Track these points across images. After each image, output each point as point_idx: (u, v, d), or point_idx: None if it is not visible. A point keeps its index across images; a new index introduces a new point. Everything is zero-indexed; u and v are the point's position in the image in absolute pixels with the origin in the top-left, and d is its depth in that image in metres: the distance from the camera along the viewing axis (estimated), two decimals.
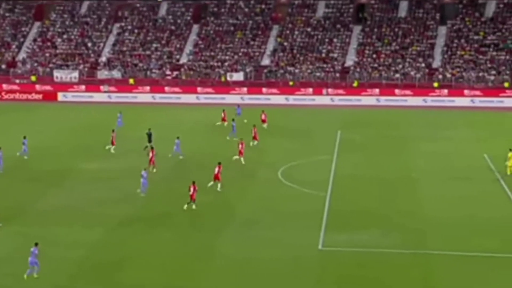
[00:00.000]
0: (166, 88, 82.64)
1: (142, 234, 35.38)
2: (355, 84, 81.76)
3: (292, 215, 38.61)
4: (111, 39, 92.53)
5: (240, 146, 48.20)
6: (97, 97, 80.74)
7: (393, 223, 37.17)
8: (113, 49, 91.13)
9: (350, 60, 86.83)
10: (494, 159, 50.59)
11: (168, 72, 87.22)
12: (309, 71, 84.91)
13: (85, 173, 46.88)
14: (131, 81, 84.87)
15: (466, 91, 78.05)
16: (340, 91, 79.82)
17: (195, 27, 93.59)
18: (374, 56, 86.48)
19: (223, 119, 62.26)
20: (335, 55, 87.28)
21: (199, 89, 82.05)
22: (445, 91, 78.37)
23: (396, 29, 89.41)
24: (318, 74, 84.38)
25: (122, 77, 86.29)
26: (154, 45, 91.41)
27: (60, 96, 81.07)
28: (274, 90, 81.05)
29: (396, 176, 46.80)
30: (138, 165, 45.66)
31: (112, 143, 52.23)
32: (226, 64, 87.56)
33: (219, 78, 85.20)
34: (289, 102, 78.65)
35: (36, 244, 30.14)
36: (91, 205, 39.98)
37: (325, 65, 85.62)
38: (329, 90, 79.81)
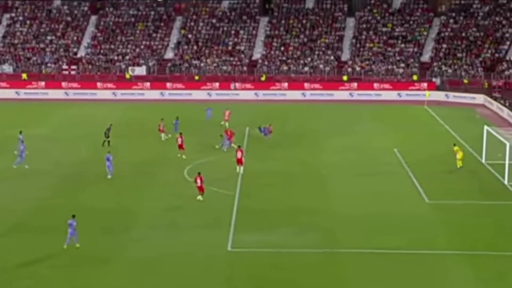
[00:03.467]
0: (63, 84, 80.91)
1: (42, 238, 34.58)
2: (263, 78, 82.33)
3: (200, 215, 38.56)
4: (1, 30, 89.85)
5: (239, 154, 46.29)
6: None
7: (304, 222, 37.66)
8: (3, 42, 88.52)
9: (258, 53, 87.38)
10: (404, 153, 52.02)
11: (64, 67, 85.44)
12: (215, 64, 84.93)
13: None
14: (24, 76, 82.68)
15: (375, 85, 79.91)
16: (248, 85, 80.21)
17: (93, 18, 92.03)
18: (282, 48, 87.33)
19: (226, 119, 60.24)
20: (242, 47, 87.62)
21: (99, 84, 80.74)
22: (355, 84, 79.98)
23: (304, 21, 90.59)
24: (224, 67, 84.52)
25: (14, 72, 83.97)
26: (49, 37, 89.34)
27: None
28: (179, 85, 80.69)
29: (306, 172, 47.42)
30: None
31: None
32: (127, 57, 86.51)
33: (121, 72, 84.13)
34: (194, 97, 78.47)
35: (73, 216, 33.45)
36: None
37: (231, 58, 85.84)
38: (237, 84, 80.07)
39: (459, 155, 48.12)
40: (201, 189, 40.81)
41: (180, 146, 50.62)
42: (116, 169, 45.53)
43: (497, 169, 46.77)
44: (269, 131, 55.84)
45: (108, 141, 52.79)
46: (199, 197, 40.93)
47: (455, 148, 49.03)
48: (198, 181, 40.73)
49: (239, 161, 43.60)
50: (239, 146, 44.44)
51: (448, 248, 34.07)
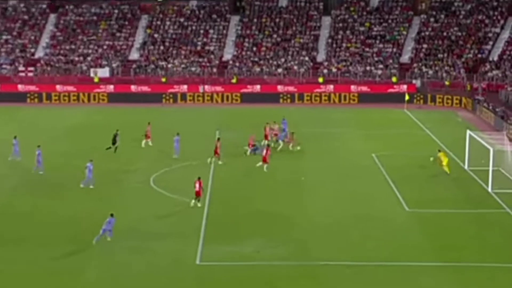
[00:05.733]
0: (19, 86, 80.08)
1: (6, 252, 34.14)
2: (234, 80, 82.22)
3: (167, 226, 38.26)
4: None
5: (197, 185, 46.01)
6: None
7: (278, 232, 37.51)
8: None
9: (228, 53, 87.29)
10: (382, 159, 52.15)
11: (21, 68, 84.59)
12: (183, 66, 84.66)
13: None
14: None
15: (352, 87, 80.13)
16: (218, 88, 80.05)
17: (52, 17, 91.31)
18: (254, 49, 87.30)
19: (266, 137, 55.66)
20: (212, 48, 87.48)
21: (58, 87, 79.99)
22: (331, 86, 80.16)
23: (277, 20, 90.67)
24: (193, 69, 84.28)
25: None
26: (4, 36, 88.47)
27: None
28: (145, 88, 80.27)
29: (282, 178, 47.35)
30: None
31: None
32: (89, 58, 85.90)
33: (82, 74, 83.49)
34: (161, 101, 78.09)
35: (112, 215, 35.49)
36: None
37: (201, 59, 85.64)
38: (206, 86, 79.87)
39: (445, 161, 48.34)
40: (198, 194, 40.88)
41: (215, 152, 50.36)
42: (81, 177, 45.13)
43: (481, 176, 46.98)
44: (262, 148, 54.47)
45: (116, 148, 52.88)
46: (193, 203, 40.88)
47: (440, 153, 49.25)
48: (197, 185, 40.82)
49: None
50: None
51: (430, 260, 34.04)
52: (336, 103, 78.51)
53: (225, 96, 79.21)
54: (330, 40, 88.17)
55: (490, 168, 44.85)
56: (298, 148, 54.43)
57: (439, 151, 50.05)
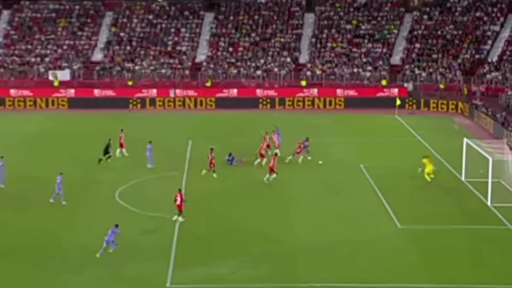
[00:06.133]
0: None
1: None
2: (208, 84, 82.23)
3: (134, 245, 38.13)
4: None
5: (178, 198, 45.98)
6: None
7: (258, 251, 37.49)
8: None
9: (202, 54, 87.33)
10: (372, 170, 52.31)
11: None
12: (152, 68, 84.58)
13: None
14: None
15: (338, 91, 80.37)
16: (191, 92, 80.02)
17: (6, 14, 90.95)
18: (231, 49, 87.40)
19: (298, 151, 54.71)
20: (184, 48, 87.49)
21: (12, 91, 79.59)
22: (315, 90, 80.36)
23: (256, 17, 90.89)
24: (163, 71, 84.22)
25: None
26: None
27: None
28: (109, 92, 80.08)
29: (262, 193, 47.44)
30: None
31: None
32: (47, 60, 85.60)
33: (39, 77, 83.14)
34: (128, 107, 77.92)
35: (117, 226, 36.58)
36: None
37: (171, 61, 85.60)
38: (177, 91, 79.81)
39: (428, 168, 48.94)
40: (180, 208, 41.03)
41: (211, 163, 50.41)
42: (44, 191, 44.99)
43: (479, 188, 47.26)
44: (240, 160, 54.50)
45: (109, 156, 53.41)
46: (176, 218, 41.09)
47: (424, 160, 49.78)
48: (178, 199, 41.00)
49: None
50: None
51: (424, 281, 34.15)
52: (321, 109, 78.71)
53: (198, 101, 79.19)
54: (314, 40, 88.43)
55: (490, 180, 45.12)
56: (309, 158, 54.53)
57: (425, 157, 50.42)
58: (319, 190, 48.13)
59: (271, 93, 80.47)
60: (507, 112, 69.40)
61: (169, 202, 44.47)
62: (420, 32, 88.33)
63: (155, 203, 44.43)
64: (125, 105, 77.94)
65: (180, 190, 41.81)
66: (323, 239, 39.20)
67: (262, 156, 53.01)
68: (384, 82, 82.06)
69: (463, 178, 50.10)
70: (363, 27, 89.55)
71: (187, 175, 51.20)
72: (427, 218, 42.79)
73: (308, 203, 45.61)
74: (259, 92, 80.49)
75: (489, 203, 44.86)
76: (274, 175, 48.66)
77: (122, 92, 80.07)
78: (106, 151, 53.88)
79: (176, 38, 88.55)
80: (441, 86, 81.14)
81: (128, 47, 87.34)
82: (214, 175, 50.17)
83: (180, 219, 41.32)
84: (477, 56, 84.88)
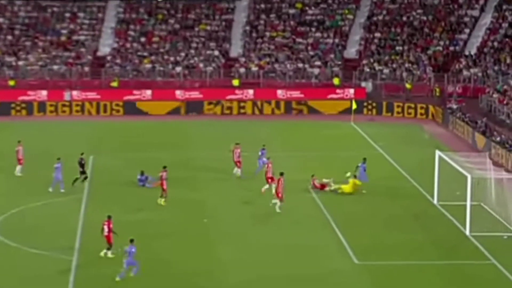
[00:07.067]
0: None
1: None
2: (114, 84, 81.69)
3: None
4: None
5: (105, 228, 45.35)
6: None
7: None
8: None
9: (106, 46, 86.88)
10: (321, 191, 52.46)
11: None
12: (41, 63, 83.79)
13: None
14: None
15: (279, 92, 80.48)
16: (92, 94, 79.36)
17: None
18: (143, 39, 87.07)
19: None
20: (82, 38, 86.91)
21: None
22: (250, 92, 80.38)
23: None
24: (56, 67, 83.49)
25: None
26: None
27: None
28: None
29: (180, 220, 47.27)
30: None
31: None
32: None
33: None
34: (9, 113, 77.06)
35: (132, 241, 37.57)
36: None
37: (66, 54, 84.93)
38: (74, 93, 79.10)
39: (346, 188, 50.99)
40: (108, 240, 40.91)
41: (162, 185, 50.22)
42: None
43: (455, 213, 47.59)
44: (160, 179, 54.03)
45: (85, 177, 53.72)
46: (104, 253, 40.97)
47: (347, 174, 51.50)
48: (106, 228, 40.89)
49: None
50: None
51: None
52: (257, 115, 78.75)
53: (101, 106, 78.62)
54: (248, 28, 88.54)
55: (468, 203, 45.37)
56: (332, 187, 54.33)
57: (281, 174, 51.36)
58: (257, 219, 48.05)
59: (195, 94, 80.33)
60: (489, 118, 70.18)
61: (63, 236, 44.07)
62: (380, 18, 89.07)
63: (45, 237, 43.90)
64: (5, 111, 76.94)
65: (109, 218, 41.30)
66: (263, 281, 39.05)
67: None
68: (336, 81, 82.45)
69: (435, 201, 50.45)
70: (309, 12, 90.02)
71: (87, 200, 50.73)
72: (391, 251, 42.90)
73: (240, 232, 45.48)
74: (179, 94, 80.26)
75: (467, 232, 45.17)
76: (278, 202, 48.98)
77: (2, 95, 78.95)
78: (82, 170, 53.60)
79: (72, 26, 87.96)
80: (408, 86, 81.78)
81: (10, 37, 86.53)
82: (162, 200, 49.86)
83: (110, 254, 40.90)
84: (451, 48, 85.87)
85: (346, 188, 51.93)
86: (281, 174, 49.23)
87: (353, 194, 51.52)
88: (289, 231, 45.92)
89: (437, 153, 51.09)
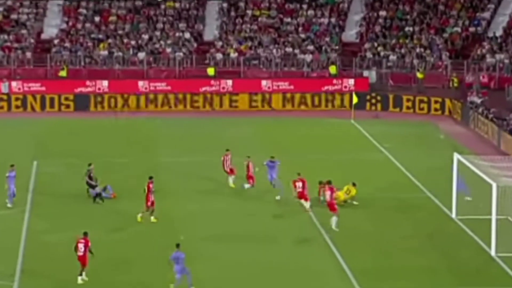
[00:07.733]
0: None
1: None
2: (62, 73, 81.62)
3: None
4: None
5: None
6: None
7: None
8: None
9: (52, 27, 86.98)
10: (315, 204, 52.41)
11: None
12: None
13: None
14: None
15: (264, 83, 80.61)
16: (36, 86, 79.31)
17: None
18: (97, 19, 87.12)
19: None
20: (24, 18, 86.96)
21: None
22: (228, 82, 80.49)
23: None
24: None
25: None
26: None
27: None
28: None
29: (151, 239, 47.38)
30: None
31: None
32: None
33: None
34: None
35: (178, 246, 40.30)
36: None
37: (3, 37, 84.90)
38: (13, 84, 79.04)
39: (342, 195, 51.77)
40: (83, 261, 41.39)
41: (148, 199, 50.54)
42: None
43: (477, 230, 47.64)
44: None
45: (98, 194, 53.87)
46: (82, 279, 41.19)
47: (346, 187, 52.16)
48: (82, 248, 41.21)
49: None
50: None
51: None
52: (237, 110, 78.74)
53: (47, 100, 78.56)
54: (225, 5, 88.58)
55: (493, 217, 45.43)
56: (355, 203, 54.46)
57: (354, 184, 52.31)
58: (242, 237, 48.17)
59: (161, 86, 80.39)
60: None
61: (7, 253, 44.05)
62: None
63: None
64: None
65: (85, 234, 41.56)
66: None
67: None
68: (333, 70, 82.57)
69: (453, 215, 50.48)
70: None
71: (30, 214, 50.76)
72: (398, 276, 42.96)
73: (224, 255, 45.57)
74: (141, 85, 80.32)
75: (492, 253, 45.21)
76: (307, 203, 51.52)
77: None
78: (90, 184, 53.82)
79: (9, 2, 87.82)
80: (419, 76, 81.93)
81: None
82: (152, 218, 50.11)
83: (83, 277, 41.19)
84: (472, 30, 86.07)
85: (341, 194, 51.94)
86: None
87: (345, 203, 51.79)
88: (281, 251, 46.07)
89: (456, 156, 51.08)
